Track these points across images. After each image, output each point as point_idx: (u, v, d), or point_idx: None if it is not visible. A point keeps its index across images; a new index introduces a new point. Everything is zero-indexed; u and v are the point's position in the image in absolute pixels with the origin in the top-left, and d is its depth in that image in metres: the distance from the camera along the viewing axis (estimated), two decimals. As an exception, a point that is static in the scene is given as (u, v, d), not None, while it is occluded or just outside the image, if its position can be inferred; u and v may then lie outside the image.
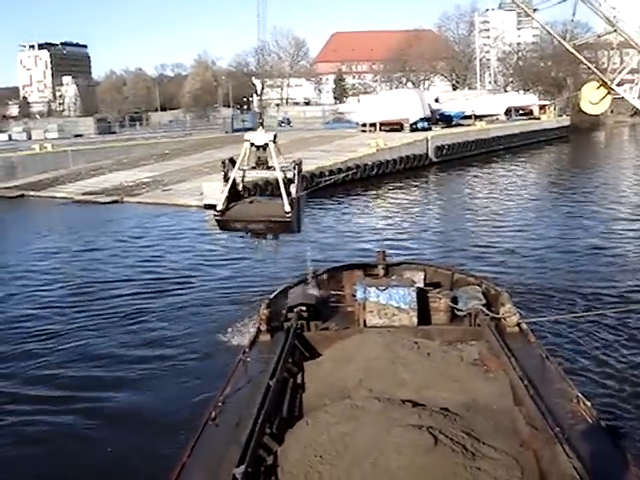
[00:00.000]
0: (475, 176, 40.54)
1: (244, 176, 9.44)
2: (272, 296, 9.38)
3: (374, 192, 33.97)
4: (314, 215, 26.14)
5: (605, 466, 5.32)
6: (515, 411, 6.60)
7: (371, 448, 5.75)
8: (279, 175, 8.87)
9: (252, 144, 9.05)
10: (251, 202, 9.41)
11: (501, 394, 7.02)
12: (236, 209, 9.02)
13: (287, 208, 8.68)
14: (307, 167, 33.96)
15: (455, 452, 5.77)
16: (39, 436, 9.30)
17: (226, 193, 8.92)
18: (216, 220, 9.02)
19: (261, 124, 9.74)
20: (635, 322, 12.23)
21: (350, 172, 33.54)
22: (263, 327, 8.43)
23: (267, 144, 9.06)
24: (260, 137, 9.05)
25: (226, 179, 9.08)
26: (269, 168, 9.16)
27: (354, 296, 9.22)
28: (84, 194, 34.18)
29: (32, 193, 35.91)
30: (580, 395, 6.47)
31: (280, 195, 8.86)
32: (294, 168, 9.16)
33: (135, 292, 16.35)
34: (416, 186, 36.66)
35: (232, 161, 9.18)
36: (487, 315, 8.68)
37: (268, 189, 10.27)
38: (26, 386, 10.98)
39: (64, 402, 10.27)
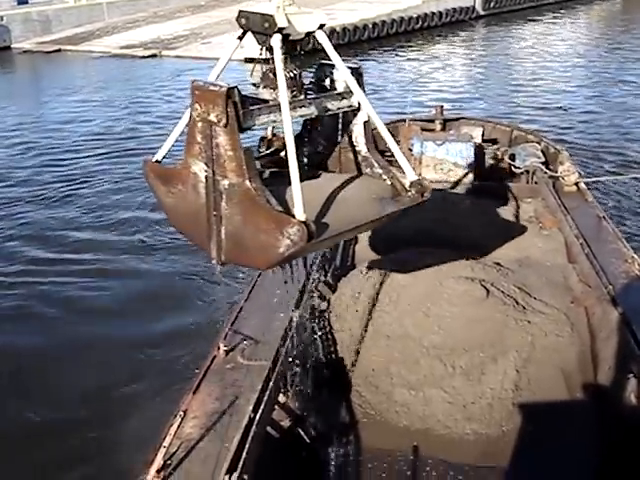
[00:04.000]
0: (524, 31, 38.51)
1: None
2: None
3: (420, 46, 32.64)
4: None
5: None
6: (568, 268, 6.55)
7: (423, 298, 5.81)
8: (364, 102, 4.31)
9: (285, 37, 3.89)
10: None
11: (555, 251, 6.96)
12: (328, 210, 4.01)
13: (412, 175, 4.37)
14: (349, 19, 32.79)
15: (506, 305, 5.79)
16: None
17: (298, 187, 3.54)
18: (296, 249, 3.54)
19: None
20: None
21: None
22: None
23: (310, 36, 4.05)
24: (304, 20, 3.97)
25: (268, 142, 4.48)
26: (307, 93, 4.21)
27: (410, 150, 8.98)
28: (121, 48, 33.52)
29: (69, 47, 35.23)
30: (635, 256, 6.34)
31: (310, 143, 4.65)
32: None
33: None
34: (463, 41, 35.07)
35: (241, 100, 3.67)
36: (545, 173, 8.45)
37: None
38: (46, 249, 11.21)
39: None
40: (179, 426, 4.14)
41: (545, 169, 8.55)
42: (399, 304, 5.79)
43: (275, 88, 3.94)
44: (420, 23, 36.11)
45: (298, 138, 4.43)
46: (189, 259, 10.01)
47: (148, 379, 7.49)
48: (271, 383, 4.49)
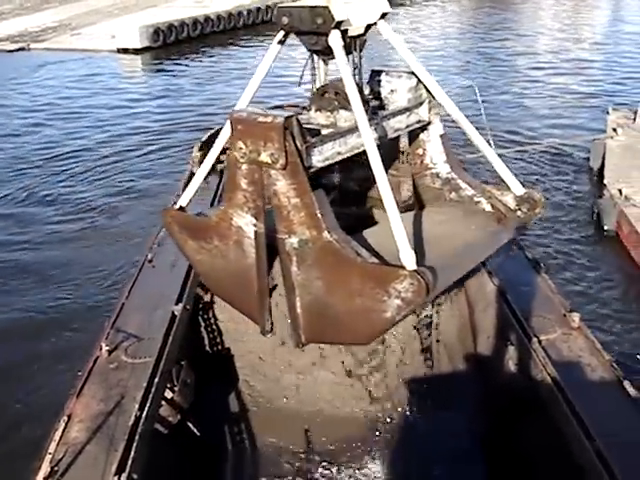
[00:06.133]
0: (403, 17, 39.31)
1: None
2: (204, 138, 8.94)
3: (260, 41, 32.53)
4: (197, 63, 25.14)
5: (528, 292, 5.50)
6: None
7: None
8: (452, 109, 3.60)
9: (343, 32, 3.03)
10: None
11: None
12: (432, 251, 3.21)
13: (519, 188, 3.81)
14: (223, 7, 32.29)
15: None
16: None
17: (400, 228, 2.85)
18: (411, 309, 2.86)
19: None
20: (552, 157, 13.54)
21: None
22: (196, 170, 8.15)
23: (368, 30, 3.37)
24: (362, 9, 3.16)
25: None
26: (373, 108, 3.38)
27: None
28: (-14, 41, 31.65)
29: None
30: None
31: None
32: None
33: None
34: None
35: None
36: None
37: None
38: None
39: None
40: (64, 431, 4.01)
41: None
42: (282, 287, 5.80)
43: (333, 110, 3.17)
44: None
45: (340, 166, 3.50)
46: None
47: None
48: (156, 379, 4.40)
